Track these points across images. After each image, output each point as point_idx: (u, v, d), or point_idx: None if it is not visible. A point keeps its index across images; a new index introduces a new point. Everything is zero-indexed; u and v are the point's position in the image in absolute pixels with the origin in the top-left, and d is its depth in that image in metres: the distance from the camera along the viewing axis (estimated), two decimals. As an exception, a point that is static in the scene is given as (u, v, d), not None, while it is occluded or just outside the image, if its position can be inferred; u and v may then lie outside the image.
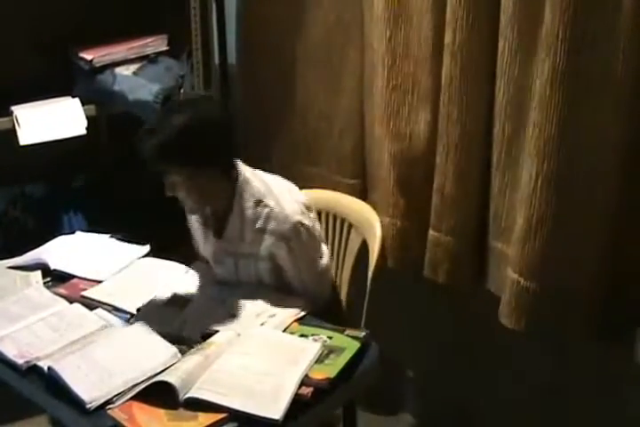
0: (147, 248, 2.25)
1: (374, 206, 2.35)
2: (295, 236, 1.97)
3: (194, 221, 2.13)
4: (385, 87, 2.21)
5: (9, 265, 2.19)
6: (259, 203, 1.98)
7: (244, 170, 2.02)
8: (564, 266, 1.88)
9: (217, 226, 2.05)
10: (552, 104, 1.76)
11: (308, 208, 2.05)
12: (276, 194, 2.01)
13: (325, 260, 2.11)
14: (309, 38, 2.56)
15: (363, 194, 2.49)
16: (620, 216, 1.84)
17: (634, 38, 1.68)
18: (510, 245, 2.01)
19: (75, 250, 2.26)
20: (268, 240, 1.97)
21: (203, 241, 2.12)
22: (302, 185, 2.20)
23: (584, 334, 1.95)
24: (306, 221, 2.00)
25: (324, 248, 2.14)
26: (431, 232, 2.21)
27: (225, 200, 1.99)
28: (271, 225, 1.96)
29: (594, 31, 1.68)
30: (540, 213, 1.85)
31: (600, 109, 1.74)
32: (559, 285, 1.89)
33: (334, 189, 2.48)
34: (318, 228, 2.11)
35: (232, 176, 1.99)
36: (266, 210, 1.97)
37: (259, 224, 1.98)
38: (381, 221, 2.29)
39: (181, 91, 2.76)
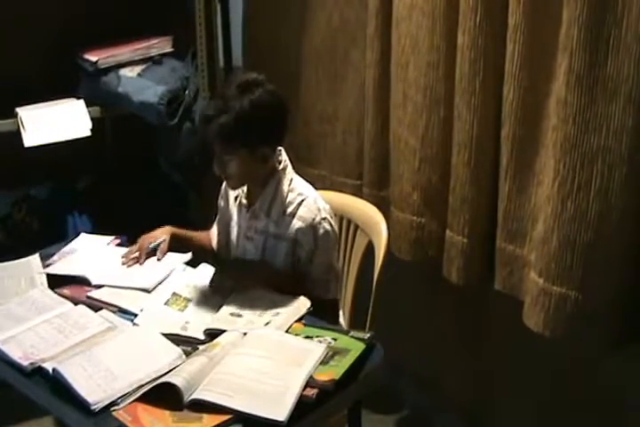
0: (188, 256, 2.18)
1: (388, 202, 2.39)
2: (323, 228, 2.04)
3: (230, 197, 2.17)
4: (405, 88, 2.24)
5: (51, 272, 2.13)
6: (294, 190, 2.06)
7: (288, 160, 2.09)
8: (586, 268, 1.84)
9: (248, 199, 2.11)
10: (569, 107, 1.75)
11: (332, 217, 2.11)
12: (313, 191, 2.10)
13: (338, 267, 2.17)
14: (313, 40, 2.56)
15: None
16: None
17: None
18: (525, 247, 2.01)
19: (109, 261, 2.18)
20: (296, 224, 2.03)
21: (236, 216, 2.16)
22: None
23: (607, 344, 1.90)
24: (333, 223, 2.08)
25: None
26: (447, 232, 2.22)
27: (265, 179, 2.06)
28: (303, 212, 2.03)
29: (610, 33, 1.67)
30: (558, 214, 1.83)
31: (619, 111, 1.71)
32: (582, 287, 1.85)
33: (336, 190, 2.49)
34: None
35: (277, 157, 2.06)
36: (300, 198, 2.05)
37: (290, 209, 2.04)
38: (396, 217, 2.33)
39: (192, 91, 2.75)
